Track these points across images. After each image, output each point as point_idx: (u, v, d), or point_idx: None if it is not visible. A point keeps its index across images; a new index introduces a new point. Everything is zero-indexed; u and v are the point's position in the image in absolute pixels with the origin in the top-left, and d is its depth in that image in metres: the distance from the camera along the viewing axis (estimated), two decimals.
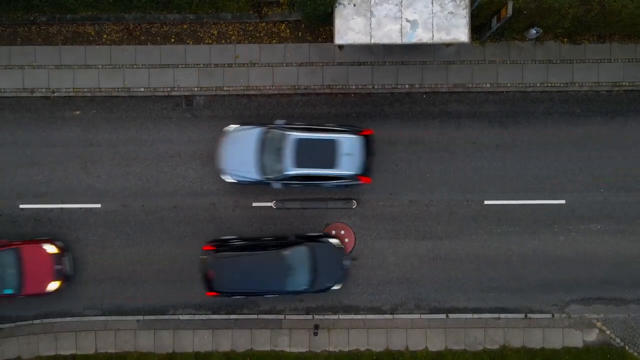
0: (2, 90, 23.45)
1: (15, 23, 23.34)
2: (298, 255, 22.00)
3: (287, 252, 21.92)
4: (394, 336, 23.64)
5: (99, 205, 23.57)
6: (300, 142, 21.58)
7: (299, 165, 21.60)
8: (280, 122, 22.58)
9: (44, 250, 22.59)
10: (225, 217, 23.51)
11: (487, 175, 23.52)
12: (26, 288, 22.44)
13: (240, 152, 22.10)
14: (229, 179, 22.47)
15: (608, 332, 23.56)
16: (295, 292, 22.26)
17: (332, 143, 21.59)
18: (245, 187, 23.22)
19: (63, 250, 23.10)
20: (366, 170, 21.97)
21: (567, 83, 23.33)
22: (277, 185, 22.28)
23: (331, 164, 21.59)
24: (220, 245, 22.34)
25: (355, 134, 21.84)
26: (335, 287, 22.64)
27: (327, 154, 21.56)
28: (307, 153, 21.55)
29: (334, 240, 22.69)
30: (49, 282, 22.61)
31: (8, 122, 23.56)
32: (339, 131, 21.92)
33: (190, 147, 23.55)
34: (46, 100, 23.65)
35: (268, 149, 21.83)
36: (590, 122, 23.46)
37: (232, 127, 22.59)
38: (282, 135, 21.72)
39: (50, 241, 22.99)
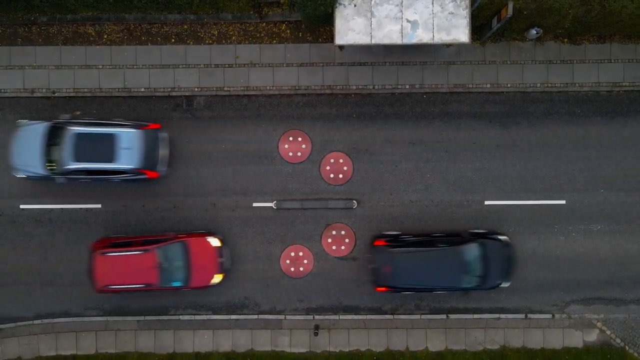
0: (2, 90, 23.45)
1: (16, 23, 23.33)
2: (471, 252, 22.06)
3: (461, 249, 21.99)
4: (394, 336, 23.65)
5: (99, 206, 23.58)
6: (79, 136, 21.83)
7: (78, 159, 21.82)
8: (66, 116, 22.88)
9: (209, 243, 22.57)
10: (226, 218, 23.54)
11: (487, 175, 23.53)
12: (193, 281, 22.37)
13: (27, 148, 22.24)
14: (19, 174, 22.55)
15: (608, 332, 23.58)
16: (466, 289, 22.34)
17: (110, 137, 21.86)
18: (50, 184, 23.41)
19: (223, 243, 23.15)
20: (153, 164, 22.29)
21: (567, 83, 23.35)
22: (61, 180, 22.45)
23: (110, 158, 21.86)
24: (392, 240, 22.45)
25: (137, 128, 22.12)
26: (504, 285, 22.62)
27: (105, 148, 21.85)
28: (85, 147, 21.81)
29: (502, 237, 22.68)
30: (214, 275, 22.60)
31: (8, 122, 23.54)
32: (120, 125, 22.21)
33: (190, 147, 23.55)
34: (46, 101, 23.65)
35: (51, 144, 22.04)
36: (590, 123, 23.48)
37: (23, 122, 22.67)
38: (63, 129, 21.95)
39: (212, 234, 23.03)
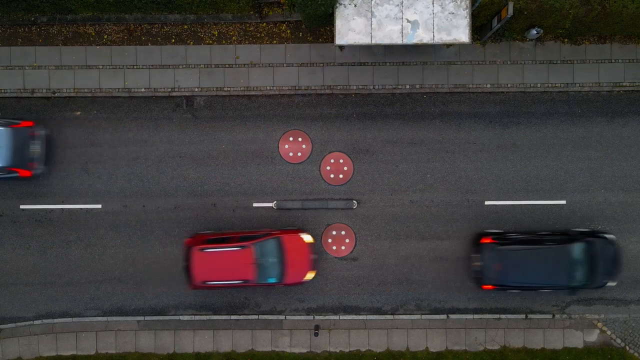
0: (2, 90, 23.45)
1: (16, 23, 23.34)
2: (580, 250, 22.12)
3: (570, 247, 22.04)
4: (394, 337, 23.64)
5: (99, 206, 23.58)
6: None
7: None
8: None
9: (302, 239, 22.50)
10: (226, 218, 23.53)
11: (487, 175, 23.53)
12: (287, 277, 22.29)
13: None
14: None
15: (609, 332, 23.57)
16: (573, 288, 22.30)
17: None
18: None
19: (314, 240, 23.17)
20: (24, 163, 22.27)
21: (567, 83, 23.35)
22: None
23: None
24: (499, 238, 22.45)
25: (6, 126, 22.16)
26: (611, 284, 22.67)
27: None
28: None
29: (609, 236, 22.69)
30: (307, 271, 22.49)
31: None
32: None
33: (190, 147, 23.56)
34: (47, 101, 23.65)
35: None
36: (590, 123, 23.48)
37: None
38: None
39: (303, 230, 22.98)
